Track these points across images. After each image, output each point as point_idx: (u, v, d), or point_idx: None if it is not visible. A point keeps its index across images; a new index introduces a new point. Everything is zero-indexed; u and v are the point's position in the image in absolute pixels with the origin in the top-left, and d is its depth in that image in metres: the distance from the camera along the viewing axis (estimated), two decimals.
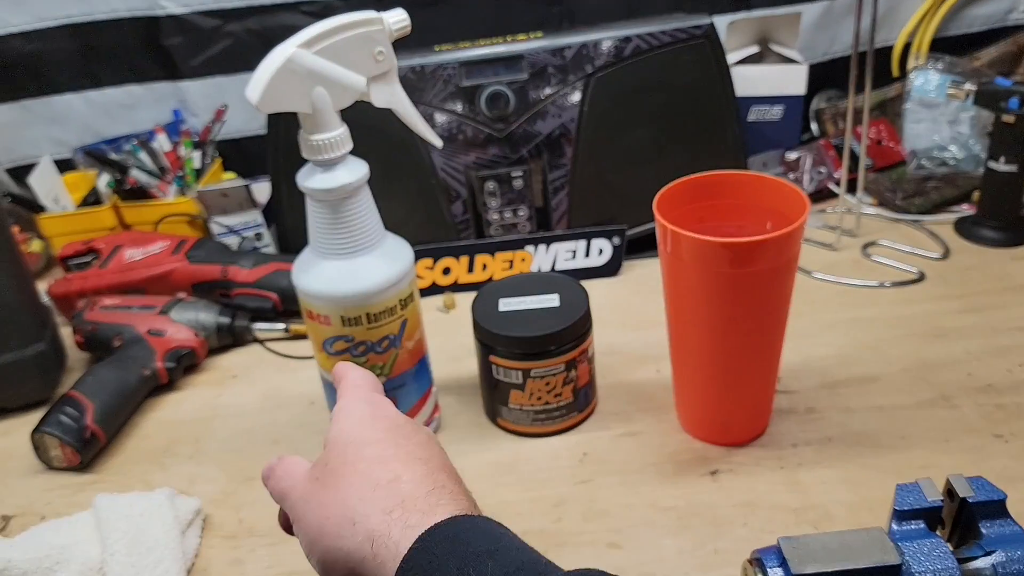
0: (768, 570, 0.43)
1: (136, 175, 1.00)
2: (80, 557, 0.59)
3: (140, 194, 1.00)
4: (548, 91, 0.88)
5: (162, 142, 1.05)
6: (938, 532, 0.44)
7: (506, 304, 0.70)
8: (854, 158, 0.93)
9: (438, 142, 0.65)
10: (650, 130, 0.90)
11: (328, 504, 0.40)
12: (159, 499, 0.63)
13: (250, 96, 0.55)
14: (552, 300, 0.70)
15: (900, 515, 0.44)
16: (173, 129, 1.06)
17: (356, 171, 0.61)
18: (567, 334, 0.67)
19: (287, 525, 0.46)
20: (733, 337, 0.62)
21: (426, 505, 0.38)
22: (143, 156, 1.04)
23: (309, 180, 0.60)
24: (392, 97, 0.61)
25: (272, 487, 0.45)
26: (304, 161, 0.61)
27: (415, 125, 0.63)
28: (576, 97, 0.88)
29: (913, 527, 0.44)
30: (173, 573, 0.58)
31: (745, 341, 0.62)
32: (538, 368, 0.67)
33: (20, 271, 0.78)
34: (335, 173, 0.60)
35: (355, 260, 0.62)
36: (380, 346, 0.65)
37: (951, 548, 0.42)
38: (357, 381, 0.48)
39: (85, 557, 0.59)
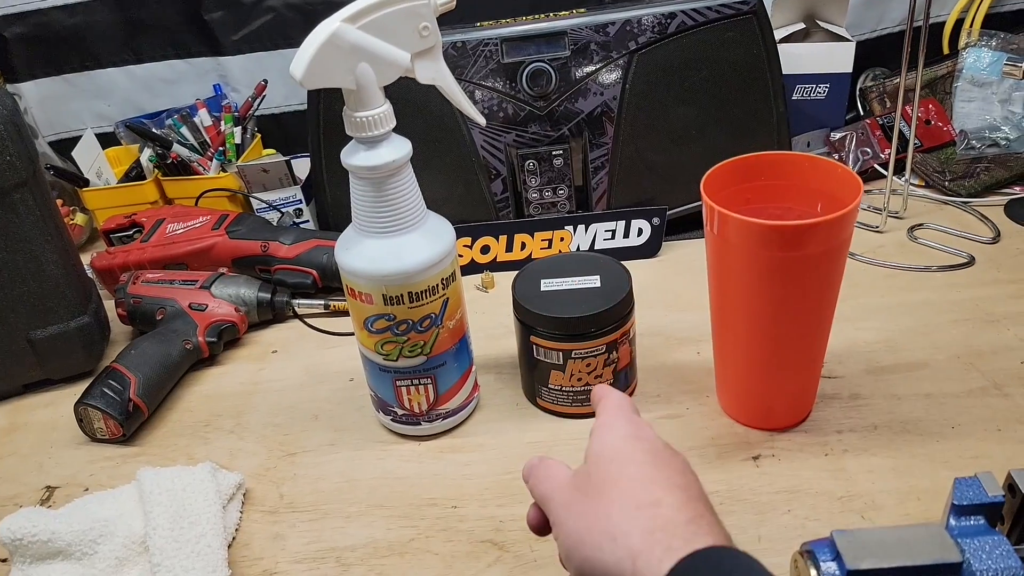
0: (821, 564, 0.42)
1: (178, 150, 1.01)
2: (123, 530, 0.60)
3: (182, 169, 1.01)
4: (590, 68, 0.86)
5: (203, 117, 1.05)
6: (998, 528, 0.43)
7: (548, 284, 0.70)
8: (901, 138, 0.90)
9: (481, 120, 0.65)
10: (693, 108, 0.88)
11: (590, 516, 0.42)
12: (201, 473, 0.64)
13: (294, 72, 0.55)
14: (594, 281, 0.69)
15: (959, 510, 0.43)
16: (214, 104, 1.07)
17: (400, 149, 0.60)
18: (609, 315, 0.66)
19: (538, 526, 0.48)
20: (779, 321, 0.61)
21: (687, 532, 0.39)
22: (185, 131, 1.04)
23: (353, 157, 0.60)
24: (436, 74, 0.60)
25: (533, 487, 0.48)
26: (345, 138, 0.60)
27: (459, 102, 0.62)
28: (618, 74, 0.86)
29: (973, 523, 0.43)
30: (215, 547, 0.59)
31: (791, 325, 0.61)
32: (579, 349, 0.67)
33: (64, 244, 0.79)
34: (379, 150, 0.59)
35: (398, 239, 0.62)
36: (421, 325, 0.64)
37: (1013, 545, 0.41)
38: (618, 402, 0.50)
39: (128, 530, 0.60)
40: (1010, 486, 0.44)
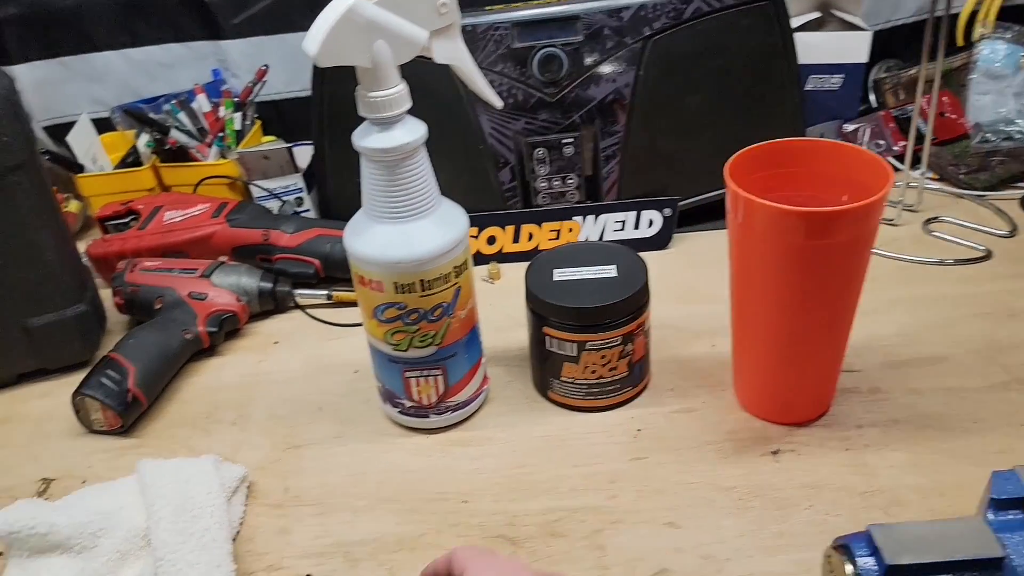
0: (857, 558, 0.41)
1: (176, 136, 0.98)
2: (125, 524, 0.58)
3: (180, 155, 0.98)
4: (603, 54, 0.84)
5: (202, 103, 1.02)
6: None
7: (561, 274, 0.68)
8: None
9: (498, 102, 0.63)
10: (706, 97, 0.87)
11: None
12: (204, 465, 0.62)
13: (308, 48, 0.53)
14: (609, 270, 0.67)
15: (998, 504, 0.42)
16: (212, 90, 1.04)
17: (414, 131, 0.58)
18: (626, 306, 0.64)
19: None
20: (803, 312, 0.59)
21: None
22: (182, 117, 1.01)
23: (365, 139, 0.58)
24: (454, 53, 0.58)
25: None
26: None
27: (475, 84, 0.61)
28: (632, 61, 0.84)
29: (1012, 517, 0.42)
30: (220, 541, 0.57)
31: (815, 317, 0.59)
32: (594, 340, 0.65)
33: (61, 231, 0.76)
34: (393, 132, 0.57)
35: (410, 225, 0.60)
36: (433, 314, 0.62)
37: None
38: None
39: (130, 524, 0.58)
40: None
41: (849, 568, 0.41)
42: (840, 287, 0.59)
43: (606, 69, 0.85)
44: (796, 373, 0.63)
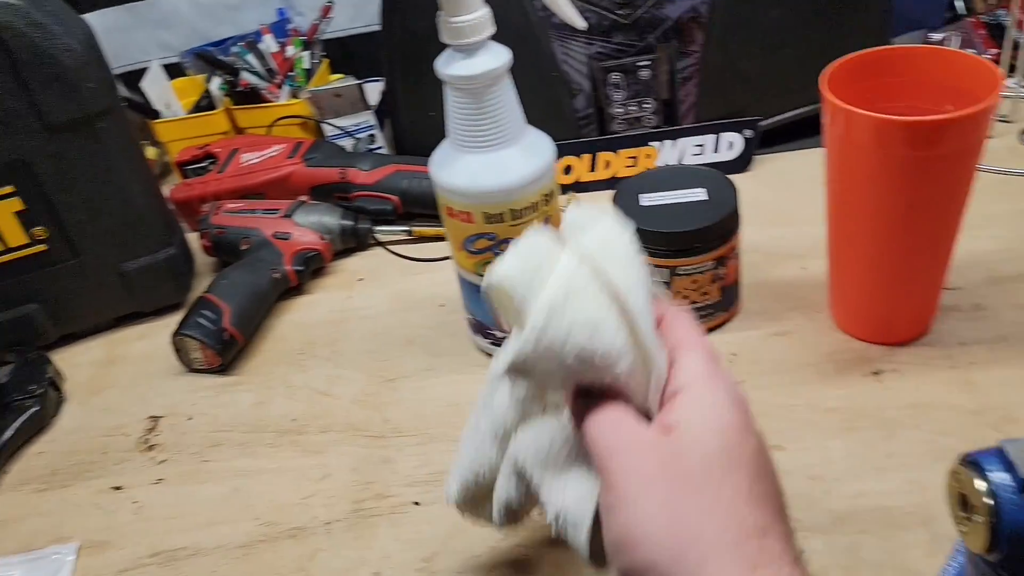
0: (989, 474, 0.40)
1: (247, 77, 0.98)
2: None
3: (252, 97, 0.99)
4: None
5: (269, 43, 1.02)
6: None
7: (648, 199, 0.67)
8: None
9: (582, 23, 0.61)
10: (787, 10, 0.83)
11: (676, 511, 0.35)
12: None
13: None
14: (698, 194, 0.66)
15: None
16: (278, 29, 1.04)
17: (499, 56, 0.57)
18: (718, 229, 0.63)
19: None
20: (906, 227, 0.57)
21: None
22: (251, 58, 1.01)
23: (449, 67, 0.57)
24: None
25: (590, 427, 0.39)
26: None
27: (558, 5, 0.59)
28: None
29: None
30: None
31: (919, 232, 0.57)
32: (686, 265, 0.64)
33: (147, 176, 0.78)
34: (476, 59, 0.56)
35: (498, 153, 0.59)
36: None
37: None
38: (707, 349, 0.41)
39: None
40: None
41: (981, 484, 0.40)
42: (946, 200, 0.56)
43: None
44: (898, 291, 0.61)
